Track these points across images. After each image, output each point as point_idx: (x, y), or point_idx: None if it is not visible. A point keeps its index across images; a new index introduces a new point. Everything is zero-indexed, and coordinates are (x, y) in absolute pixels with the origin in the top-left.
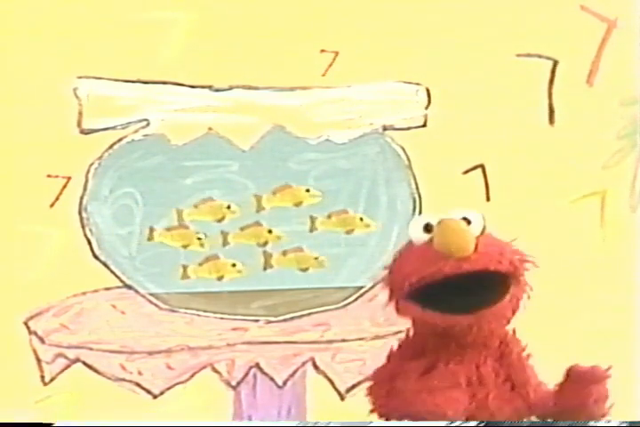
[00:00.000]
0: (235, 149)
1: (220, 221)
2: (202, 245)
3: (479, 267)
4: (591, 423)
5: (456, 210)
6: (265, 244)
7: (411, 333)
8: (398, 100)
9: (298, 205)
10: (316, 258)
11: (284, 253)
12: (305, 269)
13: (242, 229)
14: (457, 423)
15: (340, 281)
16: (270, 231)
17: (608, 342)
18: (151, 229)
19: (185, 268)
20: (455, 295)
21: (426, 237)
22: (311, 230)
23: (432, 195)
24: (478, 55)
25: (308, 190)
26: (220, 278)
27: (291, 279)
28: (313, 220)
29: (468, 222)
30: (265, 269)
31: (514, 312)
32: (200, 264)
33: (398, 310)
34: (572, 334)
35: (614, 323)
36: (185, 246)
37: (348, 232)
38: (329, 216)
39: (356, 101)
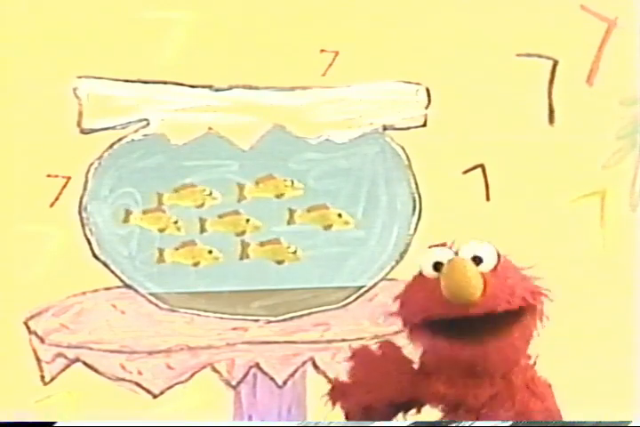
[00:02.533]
0: (235, 148)
1: (199, 207)
2: (178, 229)
3: (486, 310)
4: (591, 423)
5: (468, 246)
6: (243, 233)
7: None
8: (398, 99)
9: (279, 196)
10: (293, 252)
11: (262, 244)
12: (280, 262)
13: (220, 216)
14: (455, 424)
15: (339, 280)
16: (248, 221)
17: (608, 343)
18: (127, 212)
19: (161, 251)
20: (465, 331)
21: (435, 274)
22: (289, 223)
23: (432, 195)
24: (478, 55)
25: (291, 182)
26: (195, 264)
27: (266, 271)
28: (292, 213)
29: (479, 261)
30: (242, 258)
31: (527, 342)
32: (176, 249)
33: (410, 338)
34: (571, 334)
35: (614, 323)
36: (161, 230)
37: (326, 228)
38: (308, 210)
39: (355, 101)
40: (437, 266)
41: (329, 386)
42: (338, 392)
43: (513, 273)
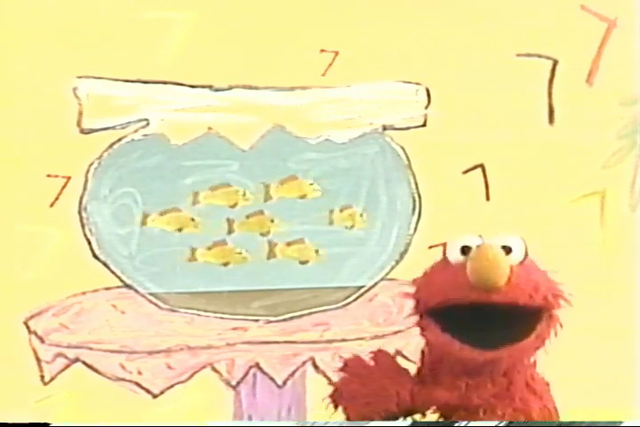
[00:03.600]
0: (234, 148)
1: (232, 207)
2: (196, 226)
3: (508, 300)
4: (585, 424)
5: (500, 236)
6: (267, 233)
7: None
8: (398, 99)
9: (302, 197)
10: (316, 251)
11: (288, 244)
12: (305, 262)
13: (247, 217)
14: (455, 424)
15: (340, 279)
16: (273, 221)
17: (608, 342)
18: (145, 215)
19: (193, 251)
20: (479, 326)
21: (462, 258)
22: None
23: (432, 194)
24: (478, 55)
25: (311, 184)
26: (225, 264)
27: (290, 271)
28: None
29: (509, 251)
30: (269, 258)
31: (537, 349)
32: (209, 248)
33: (419, 325)
34: (571, 334)
35: (614, 322)
36: (179, 230)
37: (348, 228)
38: (332, 211)
39: (355, 101)
40: (465, 250)
41: (330, 388)
42: (339, 396)
43: (539, 271)
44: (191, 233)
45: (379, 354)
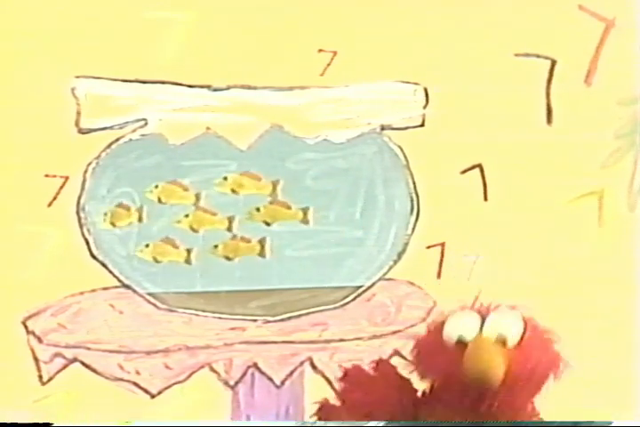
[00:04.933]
0: (233, 148)
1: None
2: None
3: (506, 389)
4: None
5: (495, 317)
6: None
7: None
8: (396, 99)
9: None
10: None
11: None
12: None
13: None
14: (451, 423)
15: (338, 279)
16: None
17: (607, 342)
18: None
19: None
20: None
21: (455, 346)
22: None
23: (430, 194)
24: (476, 55)
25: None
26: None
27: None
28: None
29: (504, 341)
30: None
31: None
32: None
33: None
34: (570, 334)
35: (613, 322)
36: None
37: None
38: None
39: (353, 101)
40: (461, 339)
41: (327, 386)
42: (326, 413)
43: (537, 346)
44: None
45: (380, 363)
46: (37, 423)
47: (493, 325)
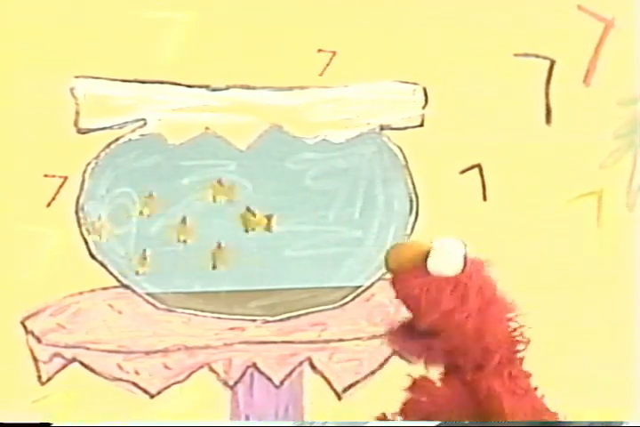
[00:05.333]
0: (232, 148)
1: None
2: None
3: None
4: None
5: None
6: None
7: None
8: (395, 99)
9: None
10: None
11: None
12: None
13: None
14: (453, 423)
15: (338, 279)
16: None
17: (605, 341)
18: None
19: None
20: None
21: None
22: None
23: (429, 194)
24: (475, 55)
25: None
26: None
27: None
28: None
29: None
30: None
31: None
32: None
33: None
34: (569, 334)
35: (612, 322)
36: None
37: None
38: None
39: (353, 101)
40: None
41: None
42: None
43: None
44: None
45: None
46: (36, 424)
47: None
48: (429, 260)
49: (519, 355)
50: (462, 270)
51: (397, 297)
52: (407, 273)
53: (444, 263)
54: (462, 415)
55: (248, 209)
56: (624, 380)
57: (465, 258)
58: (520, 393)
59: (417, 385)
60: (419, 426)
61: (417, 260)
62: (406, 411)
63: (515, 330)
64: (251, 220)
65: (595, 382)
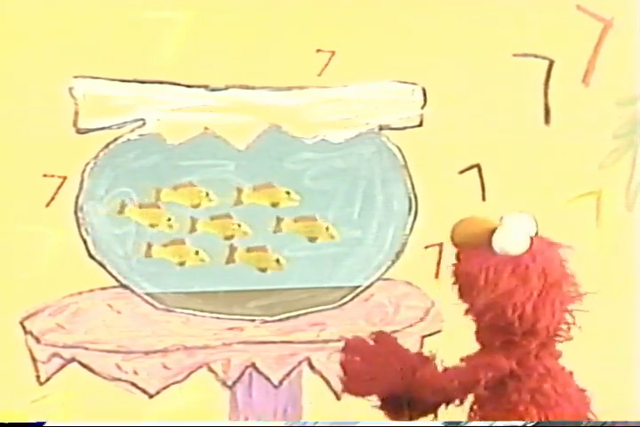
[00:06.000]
0: (231, 148)
1: (195, 207)
2: (170, 226)
3: None
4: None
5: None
6: (231, 237)
7: None
8: (394, 99)
9: (275, 205)
10: (277, 260)
11: (248, 249)
12: (263, 270)
13: (212, 218)
14: (456, 423)
15: (337, 279)
16: (239, 226)
17: (605, 342)
18: (123, 204)
19: (149, 246)
20: None
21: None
22: (275, 232)
23: (428, 194)
24: (474, 55)
25: (287, 193)
26: (181, 264)
27: (249, 277)
28: (279, 221)
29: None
30: (227, 262)
31: None
32: (165, 246)
33: None
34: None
35: (612, 322)
36: (153, 226)
37: (311, 240)
38: (295, 220)
39: (352, 101)
40: None
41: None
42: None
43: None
44: (160, 230)
45: (380, 335)
46: (35, 423)
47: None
48: (494, 237)
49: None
50: (527, 250)
51: (456, 272)
52: (470, 250)
53: (509, 242)
54: (404, 379)
55: None
56: (623, 379)
57: (531, 238)
58: (535, 377)
59: (349, 346)
60: (419, 426)
61: (482, 236)
62: (344, 371)
63: (566, 323)
64: None
65: (593, 382)
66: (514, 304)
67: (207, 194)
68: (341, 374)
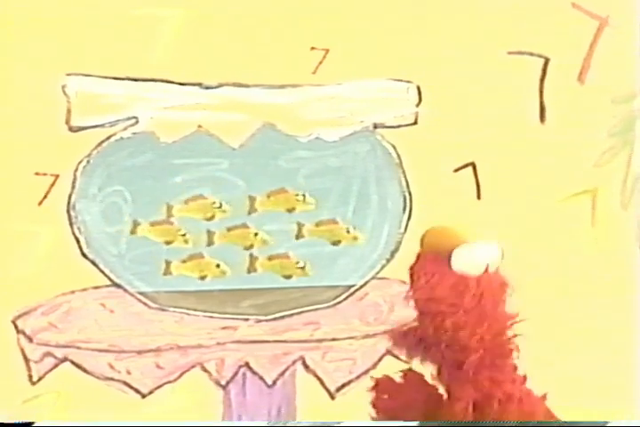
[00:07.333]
0: (224, 146)
1: (209, 219)
2: (186, 241)
3: None
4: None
5: None
6: (251, 247)
7: None
8: (389, 97)
9: (291, 211)
10: (301, 267)
11: (270, 257)
12: (288, 277)
13: (229, 229)
14: (451, 423)
15: (331, 278)
16: (257, 234)
17: (601, 341)
18: (135, 223)
19: (168, 264)
20: None
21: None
22: (297, 237)
23: (423, 193)
24: (469, 53)
25: (303, 196)
26: (202, 278)
27: (274, 285)
28: (300, 227)
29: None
30: (249, 272)
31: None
32: (184, 261)
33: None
34: (564, 333)
35: (607, 321)
36: (168, 243)
37: (335, 243)
38: (317, 224)
39: (346, 99)
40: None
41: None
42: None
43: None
44: (176, 246)
45: (408, 373)
46: (27, 423)
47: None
48: (455, 252)
49: (508, 361)
50: (479, 276)
51: (410, 270)
52: (430, 255)
53: (465, 261)
54: (427, 414)
55: None
56: (621, 379)
57: (487, 267)
58: (503, 398)
59: (378, 384)
60: (419, 426)
61: (447, 248)
62: (376, 409)
63: (504, 337)
64: None
65: (591, 382)
66: (440, 313)
67: (220, 205)
68: (372, 411)
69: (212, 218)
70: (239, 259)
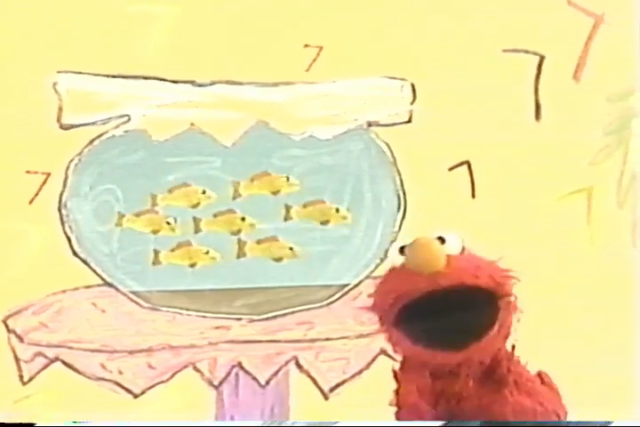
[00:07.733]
0: (217, 144)
1: (194, 206)
2: (172, 230)
3: (455, 282)
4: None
5: (435, 231)
6: (238, 232)
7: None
8: (383, 95)
9: (275, 193)
10: (290, 248)
11: (259, 241)
12: (279, 259)
13: (215, 215)
14: (454, 423)
15: (324, 277)
16: (244, 219)
17: (597, 339)
18: (120, 215)
19: (157, 253)
20: (442, 325)
21: (402, 258)
22: (285, 219)
23: (417, 192)
24: (464, 50)
25: (287, 178)
26: (192, 265)
27: (264, 269)
28: (288, 208)
29: (442, 241)
30: (239, 257)
31: (505, 339)
32: (172, 250)
33: (390, 341)
34: (562, 333)
35: (602, 320)
36: (155, 232)
37: (323, 223)
38: (304, 206)
39: (340, 97)
40: (402, 249)
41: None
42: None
43: (479, 258)
44: (163, 235)
45: None
46: (18, 424)
47: (431, 234)
48: (405, 252)
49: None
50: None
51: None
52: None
53: (414, 259)
54: None
55: None
56: (619, 378)
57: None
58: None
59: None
60: (416, 426)
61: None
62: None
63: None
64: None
65: (589, 381)
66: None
67: (204, 192)
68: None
69: (197, 205)
70: (228, 244)
